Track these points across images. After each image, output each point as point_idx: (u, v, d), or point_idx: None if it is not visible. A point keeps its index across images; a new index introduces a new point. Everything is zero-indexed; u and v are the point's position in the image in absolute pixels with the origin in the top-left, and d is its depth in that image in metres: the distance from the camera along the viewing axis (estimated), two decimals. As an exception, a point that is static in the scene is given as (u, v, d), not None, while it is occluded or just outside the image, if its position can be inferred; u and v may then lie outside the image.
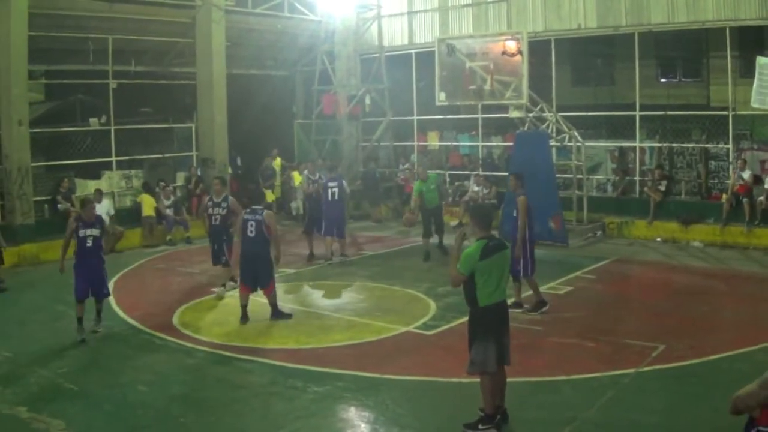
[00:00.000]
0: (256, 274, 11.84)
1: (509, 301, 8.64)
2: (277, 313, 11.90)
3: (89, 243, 11.09)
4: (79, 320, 10.98)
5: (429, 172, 16.92)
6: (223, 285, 13.48)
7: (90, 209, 11.46)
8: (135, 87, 20.75)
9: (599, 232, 19.12)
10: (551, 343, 10.42)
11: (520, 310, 11.58)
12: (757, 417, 4.19)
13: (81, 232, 11.07)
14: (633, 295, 13.65)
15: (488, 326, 7.34)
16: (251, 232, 11.80)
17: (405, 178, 23.09)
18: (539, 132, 18.64)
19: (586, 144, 20.02)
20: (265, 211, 12.02)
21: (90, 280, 11.09)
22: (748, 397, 4.18)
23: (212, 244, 13.90)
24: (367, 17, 24.19)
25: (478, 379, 7.42)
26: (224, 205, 13.55)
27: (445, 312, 11.92)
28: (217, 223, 13.60)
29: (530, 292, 11.91)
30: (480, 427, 7.35)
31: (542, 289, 12.94)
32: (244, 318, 11.74)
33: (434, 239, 16.61)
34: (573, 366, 9.26)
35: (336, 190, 16.26)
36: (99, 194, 17.90)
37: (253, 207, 12.09)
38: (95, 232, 11.21)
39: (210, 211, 13.66)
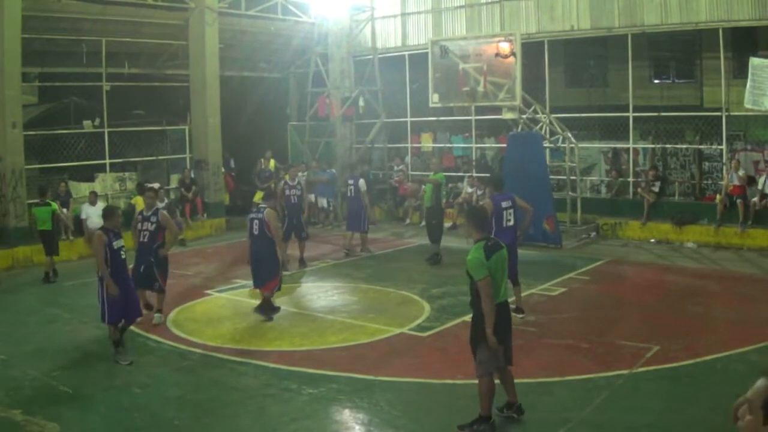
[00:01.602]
0: (260, 273, 11.98)
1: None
2: (262, 309, 11.88)
3: (123, 254, 10.02)
4: (116, 343, 10.08)
5: (430, 174, 16.83)
6: (159, 311, 11.91)
7: (117, 217, 10.30)
8: (128, 89, 20.74)
9: (593, 233, 19.15)
10: (545, 345, 10.42)
11: (520, 316, 11.50)
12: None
13: (115, 244, 9.83)
14: (627, 296, 13.66)
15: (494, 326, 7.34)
16: (255, 230, 11.96)
17: (399, 180, 23.11)
18: (532, 133, 18.64)
19: (580, 145, 20.05)
20: (266, 209, 12.04)
21: (126, 299, 10.03)
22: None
23: (138, 264, 11.73)
24: (360, 19, 24.20)
25: (475, 381, 7.42)
26: (153, 219, 11.69)
27: (439, 314, 11.94)
28: (146, 240, 11.65)
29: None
30: (474, 428, 7.36)
31: (536, 290, 12.98)
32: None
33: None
34: (567, 367, 9.27)
35: (352, 187, 17.46)
36: (94, 196, 17.89)
37: (259, 206, 12.25)
38: (123, 241, 10.09)
39: (139, 226, 11.79)
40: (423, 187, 17.57)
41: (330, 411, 8.29)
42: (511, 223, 11.69)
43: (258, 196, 22.30)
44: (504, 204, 11.65)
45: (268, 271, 11.98)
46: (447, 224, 20.47)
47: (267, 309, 11.91)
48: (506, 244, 11.29)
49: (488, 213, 8.27)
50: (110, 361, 10.05)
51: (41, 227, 15.61)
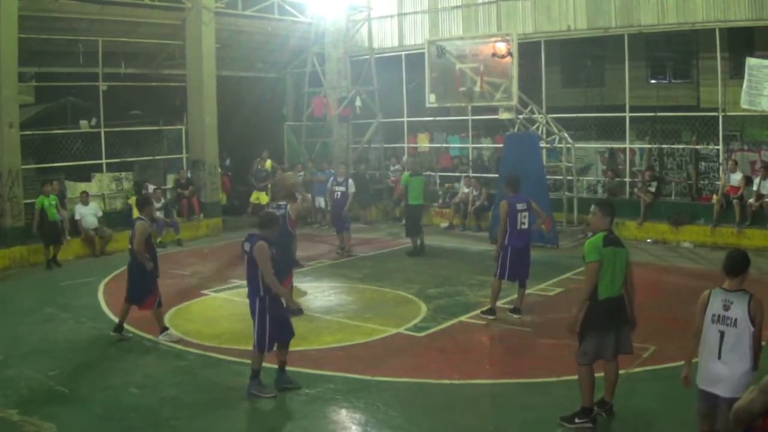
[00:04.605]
0: (279, 267, 11.90)
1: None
2: (290, 312, 11.88)
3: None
4: (256, 373, 8.70)
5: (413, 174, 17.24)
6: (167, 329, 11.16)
7: (276, 226, 9.05)
8: (125, 89, 20.70)
9: (590, 234, 19.04)
10: (542, 345, 10.44)
11: (517, 316, 11.61)
12: (759, 425, 4.15)
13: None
14: (623, 296, 13.65)
15: (606, 318, 7.43)
16: None
17: (395, 180, 23.10)
18: (529, 133, 18.66)
19: (576, 145, 20.08)
20: (290, 204, 12.15)
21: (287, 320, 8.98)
22: (750, 405, 4.13)
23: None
24: (357, 19, 24.18)
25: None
26: None
27: (435, 314, 11.94)
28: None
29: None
30: (576, 420, 7.43)
31: (533, 290, 12.96)
32: None
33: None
34: (564, 367, 9.22)
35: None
36: (86, 196, 17.93)
37: (279, 203, 12.48)
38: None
39: None
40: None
41: (327, 411, 8.29)
42: (525, 226, 11.68)
43: (254, 196, 22.35)
44: (519, 206, 11.67)
45: (283, 268, 11.93)
46: (443, 224, 20.65)
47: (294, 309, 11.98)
48: (521, 248, 11.52)
49: (615, 209, 8.46)
50: (107, 361, 10.05)
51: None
